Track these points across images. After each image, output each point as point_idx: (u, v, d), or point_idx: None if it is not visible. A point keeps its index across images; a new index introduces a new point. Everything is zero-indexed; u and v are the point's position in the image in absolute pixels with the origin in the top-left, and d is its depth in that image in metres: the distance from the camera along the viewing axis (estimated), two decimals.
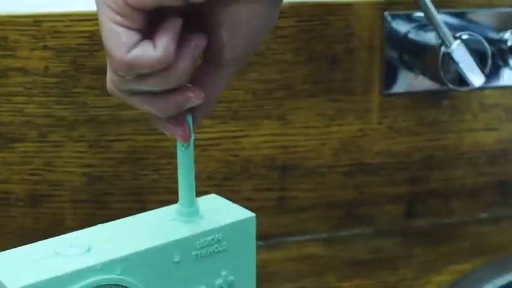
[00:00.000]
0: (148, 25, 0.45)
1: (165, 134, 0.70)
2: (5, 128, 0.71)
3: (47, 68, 0.70)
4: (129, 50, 0.45)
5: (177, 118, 0.51)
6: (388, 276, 0.72)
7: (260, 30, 0.48)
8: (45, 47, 0.70)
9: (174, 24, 0.46)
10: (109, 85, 0.49)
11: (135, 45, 0.45)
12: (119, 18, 0.44)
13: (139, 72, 0.46)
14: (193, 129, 0.51)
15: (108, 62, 0.47)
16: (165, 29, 0.45)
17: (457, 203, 0.85)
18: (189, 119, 0.51)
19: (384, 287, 0.70)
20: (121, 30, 0.45)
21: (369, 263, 0.75)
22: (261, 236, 0.74)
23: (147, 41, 0.45)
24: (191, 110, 0.51)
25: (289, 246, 0.78)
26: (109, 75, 0.49)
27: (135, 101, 0.49)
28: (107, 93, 0.71)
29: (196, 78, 0.50)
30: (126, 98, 0.49)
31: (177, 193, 0.54)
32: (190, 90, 0.49)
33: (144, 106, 0.49)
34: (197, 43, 0.47)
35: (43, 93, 0.71)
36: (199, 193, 0.58)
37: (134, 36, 0.45)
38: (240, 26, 0.47)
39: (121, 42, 0.45)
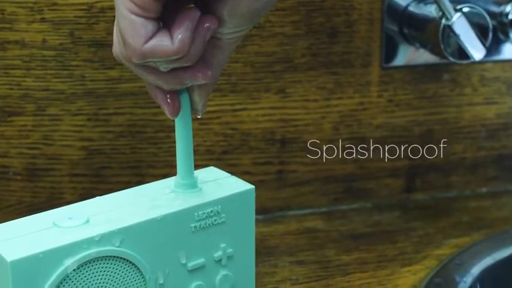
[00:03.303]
0: (163, 10, 0.46)
1: None
2: (3, 102, 0.71)
3: (44, 40, 0.70)
4: (146, 41, 0.46)
5: (171, 92, 0.51)
6: (387, 249, 0.72)
7: (261, 10, 0.48)
8: (42, 20, 0.69)
9: (192, 18, 0.46)
10: (115, 51, 0.49)
11: (152, 35, 0.46)
12: (137, 8, 0.45)
13: (153, 61, 0.47)
14: (203, 108, 0.52)
15: (121, 48, 0.47)
16: (183, 22, 0.46)
17: (457, 177, 0.85)
18: (185, 96, 0.51)
19: (383, 260, 0.70)
20: (139, 20, 0.45)
21: (368, 237, 0.75)
22: (260, 210, 0.74)
23: (163, 32, 0.46)
24: (190, 88, 0.52)
25: (288, 220, 0.78)
26: (115, 41, 0.49)
27: (142, 72, 0.49)
28: (105, 67, 0.71)
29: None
30: (132, 67, 0.49)
31: (175, 167, 0.54)
32: (198, 69, 0.49)
33: (150, 77, 0.49)
34: (210, 25, 0.47)
35: (41, 66, 0.70)
36: (198, 167, 0.57)
37: (151, 26, 0.45)
38: (242, 5, 0.47)
39: (138, 33, 0.45)
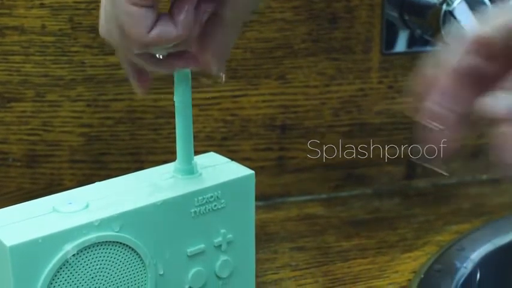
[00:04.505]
0: None
1: (163, 94, 0.70)
2: (2, 88, 0.70)
3: (43, 26, 0.69)
4: (149, 30, 0.45)
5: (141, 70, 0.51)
6: (387, 236, 0.72)
7: None
8: (41, 5, 0.69)
9: (191, 0, 0.46)
10: (102, 30, 0.49)
11: (154, 24, 0.45)
12: None
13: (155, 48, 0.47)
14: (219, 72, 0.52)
15: (121, 39, 0.47)
16: (183, 5, 0.46)
17: (457, 164, 0.85)
18: (186, 82, 0.51)
19: (384, 246, 0.70)
20: (139, 11, 0.45)
21: (369, 223, 0.75)
22: (260, 196, 0.74)
23: (165, 18, 0.46)
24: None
25: (288, 207, 0.78)
26: (102, 21, 0.48)
27: (138, 60, 0.49)
28: (104, 52, 0.71)
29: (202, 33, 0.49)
30: (128, 55, 0.49)
31: (175, 153, 0.54)
32: (189, 57, 0.49)
33: (147, 65, 0.49)
34: (206, 7, 0.47)
35: (40, 52, 0.70)
36: (198, 153, 0.57)
37: (152, 15, 0.45)
38: None
39: (141, 24, 0.45)
